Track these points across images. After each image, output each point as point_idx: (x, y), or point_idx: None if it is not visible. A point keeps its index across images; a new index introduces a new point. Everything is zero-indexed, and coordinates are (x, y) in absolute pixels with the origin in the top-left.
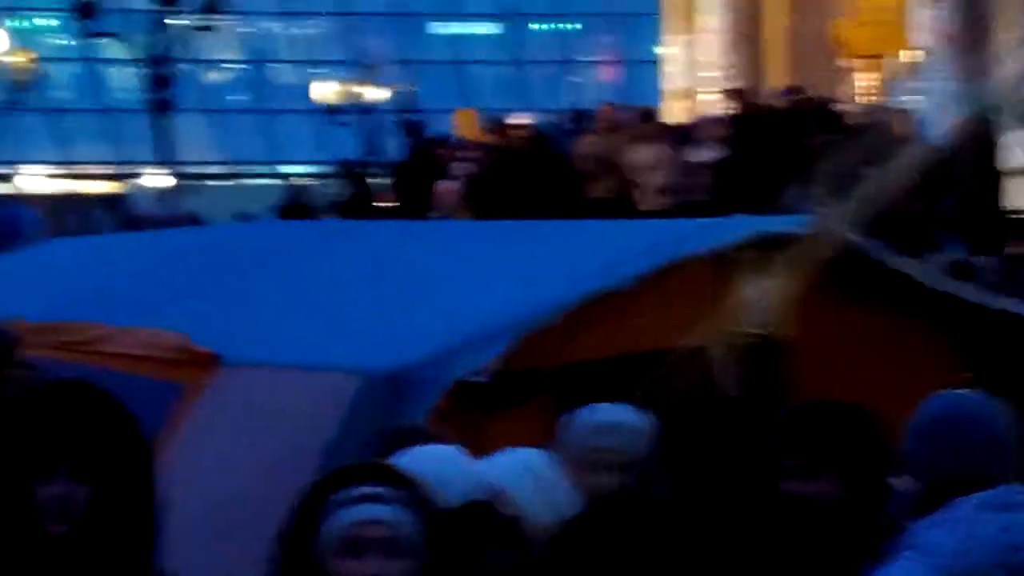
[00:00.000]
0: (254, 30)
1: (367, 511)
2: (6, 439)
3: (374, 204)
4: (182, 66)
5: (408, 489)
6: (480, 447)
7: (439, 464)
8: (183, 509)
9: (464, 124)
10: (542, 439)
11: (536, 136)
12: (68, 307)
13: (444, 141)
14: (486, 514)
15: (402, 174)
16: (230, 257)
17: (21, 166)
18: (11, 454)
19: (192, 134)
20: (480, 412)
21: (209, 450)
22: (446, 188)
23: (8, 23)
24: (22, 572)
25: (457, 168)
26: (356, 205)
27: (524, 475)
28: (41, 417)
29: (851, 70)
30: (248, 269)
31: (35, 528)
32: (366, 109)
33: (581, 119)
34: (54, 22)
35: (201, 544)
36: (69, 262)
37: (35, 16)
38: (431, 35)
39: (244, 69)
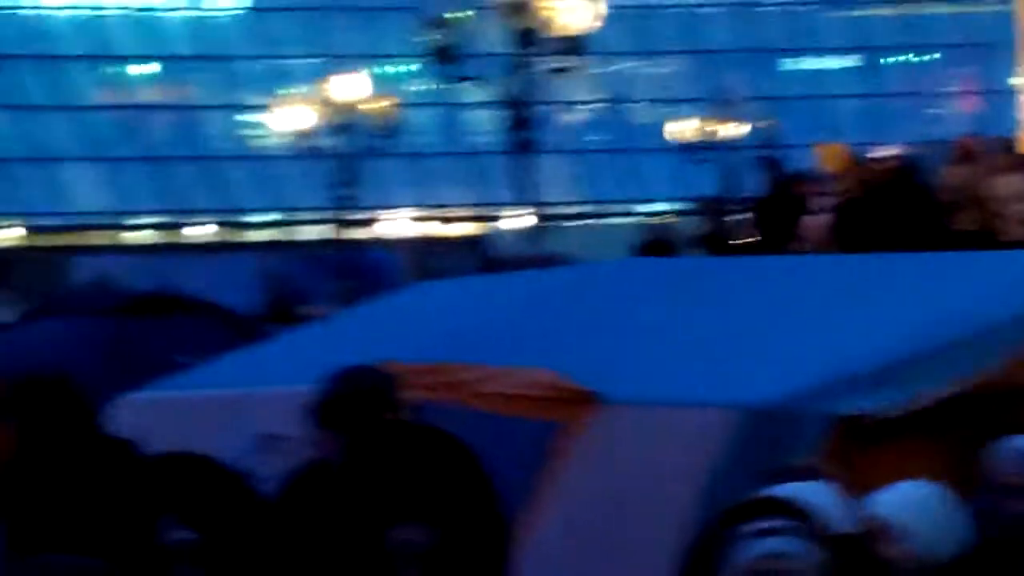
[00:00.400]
0: (611, 70)
1: (773, 545)
2: (359, 486)
3: (735, 240)
4: (541, 107)
5: (809, 523)
6: (865, 480)
7: (819, 498)
8: (563, 546)
9: (828, 158)
10: (927, 471)
11: (901, 168)
12: (441, 349)
13: (804, 176)
14: (866, 548)
15: (763, 209)
16: (598, 296)
17: (383, 211)
18: (364, 500)
19: (551, 175)
20: (864, 445)
21: (589, 488)
22: (813, 222)
23: (368, 70)
24: None
25: (818, 202)
26: (717, 241)
27: (917, 509)
28: (390, 464)
29: None
30: (617, 307)
31: (388, 573)
32: (724, 146)
33: (941, 151)
34: (413, 67)
35: None
36: (439, 305)
37: (395, 62)
38: (786, 70)
39: (602, 109)
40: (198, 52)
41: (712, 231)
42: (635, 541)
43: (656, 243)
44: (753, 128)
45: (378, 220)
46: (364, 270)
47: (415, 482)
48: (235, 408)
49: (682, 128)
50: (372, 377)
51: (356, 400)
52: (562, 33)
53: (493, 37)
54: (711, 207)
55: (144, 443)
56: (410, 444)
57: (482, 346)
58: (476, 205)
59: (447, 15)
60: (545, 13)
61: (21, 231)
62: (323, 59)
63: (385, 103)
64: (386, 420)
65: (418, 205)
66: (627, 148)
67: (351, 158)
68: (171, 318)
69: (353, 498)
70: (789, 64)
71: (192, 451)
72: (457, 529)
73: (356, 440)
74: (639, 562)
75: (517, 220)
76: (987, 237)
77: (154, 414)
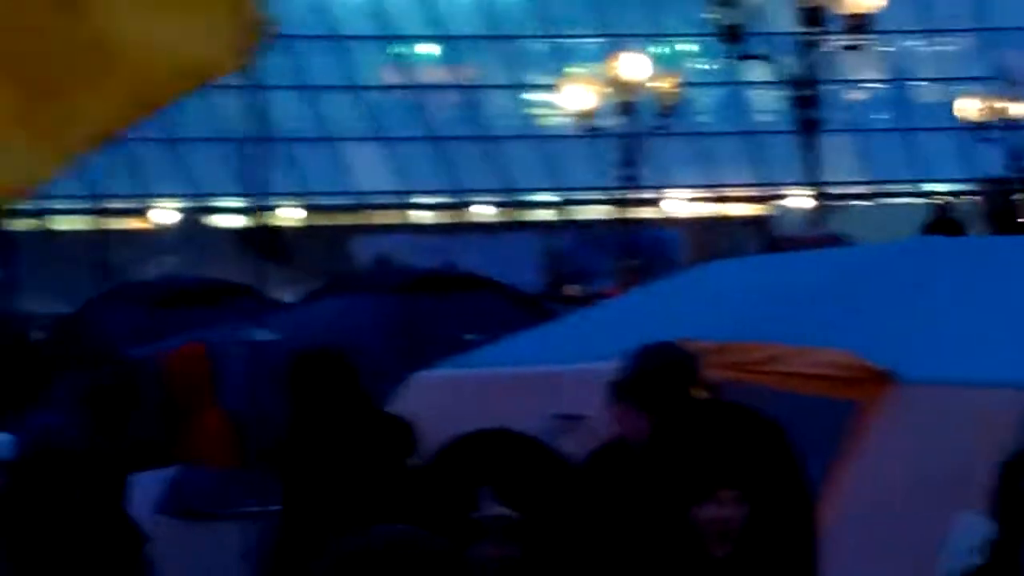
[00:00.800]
0: (895, 48)
1: None
2: (666, 463)
3: (1021, 219)
4: (825, 86)
5: None
6: None
7: None
8: (861, 526)
9: None
10: None
11: None
12: (734, 328)
13: None
14: None
15: None
16: (890, 275)
17: (667, 190)
18: (673, 478)
19: (835, 154)
20: None
21: (885, 468)
22: None
23: (651, 49)
24: None
25: None
26: (1004, 221)
27: None
28: (699, 440)
29: None
30: (909, 287)
31: (698, 550)
32: (1011, 124)
33: None
34: (696, 46)
35: (875, 561)
36: (730, 284)
37: (677, 42)
38: None
39: (886, 88)
40: (482, 32)
41: (999, 210)
42: (933, 522)
43: (943, 222)
44: None
45: (659, 200)
46: (645, 250)
47: (726, 458)
48: (531, 386)
49: (967, 107)
50: (677, 354)
51: (663, 376)
52: (850, 11)
53: (777, 15)
54: (997, 186)
55: (438, 421)
56: (721, 420)
57: (775, 325)
58: (758, 185)
59: None
60: None
61: (303, 211)
62: (606, 38)
63: (668, 82)
64: (693, 397)
65: (699, 185)
66: (911, 127)
67: (633, 137)
68: (454, 296)
69: (662, 475)
70: None
71: (507, 427)
72: (768, 506)
73: (665, 417)
74: (937, 543)
75: (800, 200)
76: None
77: (447, 392)
